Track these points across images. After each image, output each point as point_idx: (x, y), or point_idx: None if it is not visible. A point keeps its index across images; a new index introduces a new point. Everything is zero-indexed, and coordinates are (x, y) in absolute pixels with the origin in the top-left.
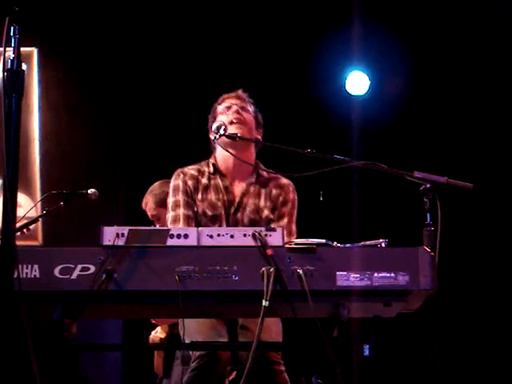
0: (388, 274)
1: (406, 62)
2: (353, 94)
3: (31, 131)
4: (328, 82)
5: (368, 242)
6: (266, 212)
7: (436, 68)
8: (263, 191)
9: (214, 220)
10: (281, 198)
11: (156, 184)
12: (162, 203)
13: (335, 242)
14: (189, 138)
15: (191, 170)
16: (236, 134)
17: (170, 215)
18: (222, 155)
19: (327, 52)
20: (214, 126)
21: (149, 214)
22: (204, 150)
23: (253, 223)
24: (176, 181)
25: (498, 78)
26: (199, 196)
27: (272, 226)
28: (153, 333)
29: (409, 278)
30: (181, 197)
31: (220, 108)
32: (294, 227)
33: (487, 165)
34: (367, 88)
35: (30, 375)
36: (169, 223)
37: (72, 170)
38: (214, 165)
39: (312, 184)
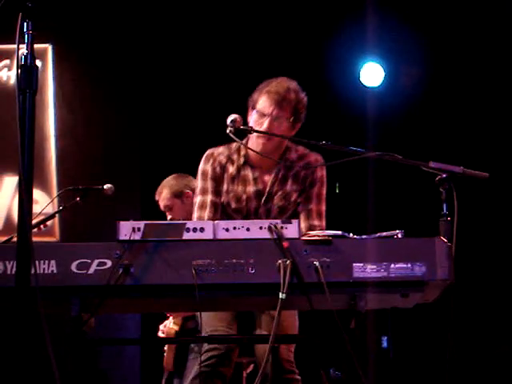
0: (405, 265)
1: (420, 53)
2: (367, 85)
3: (47, 128)
4: (342, 74)
5: (384, 233)
6: (294, 196)
7: (451, 58)
8: (290, 174)
9: (237, 212)
10: (308, 179)
11: (172, 176)
12: (177, 194)
13: (351, 234)
14: (205, 132)
15: (221, 154)
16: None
17: (197, 200)
18: (252, 144)
19: (341, 44)
20: (250, 120)
21: (161, 204)
22: (222, 141)
23: (282, 210)
24: (206, 165)
25: None
26: (225, 187)
27: (300, 209)
28: (161, 326)
29: (426, 269)
30: (210, 183)
31: (259, 104)
32: (322, 208)
33: (503, 154)
34: (382, 79)
35: (48, 371)
36: (195, 208)
37: (88, 166)
38: (245, 156)
39: (328, 176)
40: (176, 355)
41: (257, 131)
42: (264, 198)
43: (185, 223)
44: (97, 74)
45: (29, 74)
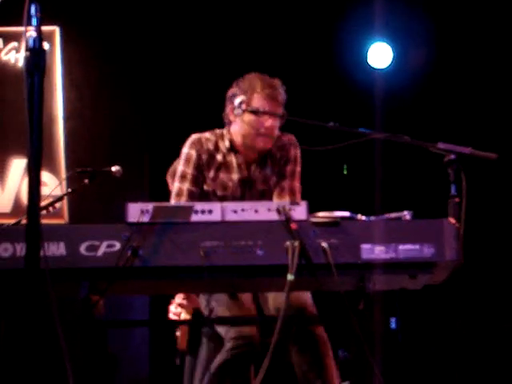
0: (413, 247)
1: (429, 34)
2: (375, 66)
3: (55, 110)
4: (350, 55)
5: (393, 215)
6: (273, 178)
7: (460, 39)
8: (268, 158)
9: (223, 200)
10: (283, 159)
11: None
12: None
13: (359, 215)
14: (213, 115)
15: (208, 141)
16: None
17: (176, 185)
18: (242, 131)
19: (349, 25)
20: (237, 101)
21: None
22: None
23: (263, 194)
24: (191, 150)
25: None
26: (211, 174)
27: (275, 189)
28: (172, 308)
29: (434, 250)
30: (191, 170)
31: (256, 103)
32: (296, 184)
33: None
34: (390, 60)
35: (58, 353)
36: (173, 194)
37: (96, 148)
38: (230, 141)
39: (336, 157)
40: (190, 335)
41: (265, 112)
42: (248, 184)
43: (193, 205)
44: (105, 56)
45: (37, 57)
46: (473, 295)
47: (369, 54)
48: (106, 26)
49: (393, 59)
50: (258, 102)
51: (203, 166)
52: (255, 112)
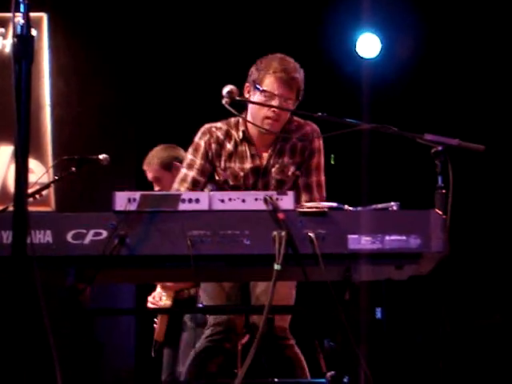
0: (400, 237)
1: (417, 24)
2: (364, 56)
3: (42, 97)
4: (339, 45)
5: (380, 205)
6: (291, 169)
7: (448, 30)
8: (287, 147)
9: (235, 189)
10: (307, 151)
11: (161, 147)
12: (166, 166)
13: (346, 206)
14: (201, 102)
15: (219, 130)
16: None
17: (182, 171)
18: (252, 110)
19: (337, 15)
20: (251, 79)
21: (150, 175)
22: (217, 114)
23: (280, 183)
24: (201, 140)
25: None
26: (222, 164)
27: (300, 181)
28: (150, 298)
29: (420, 241)
30: (199, 160)
31: (266, 84)
32: (322, 178)
33: (499, 127)
34: (378, 51)
35: (45, 340)
36: (177, 179)
37: (83, 136)
38: (243, 132)
39: (323, 147)
40: (168, 326)
41: (256, 103)
42: (261, 173)
43: (180, 194)
44: (92, 43)
45: (25, 44)
46: (458, 286)
47: (357, 44)
48: (93, 13)
49: (381, 50)
50: (269, 83)
51: (213, 155)
52: (264, 92)
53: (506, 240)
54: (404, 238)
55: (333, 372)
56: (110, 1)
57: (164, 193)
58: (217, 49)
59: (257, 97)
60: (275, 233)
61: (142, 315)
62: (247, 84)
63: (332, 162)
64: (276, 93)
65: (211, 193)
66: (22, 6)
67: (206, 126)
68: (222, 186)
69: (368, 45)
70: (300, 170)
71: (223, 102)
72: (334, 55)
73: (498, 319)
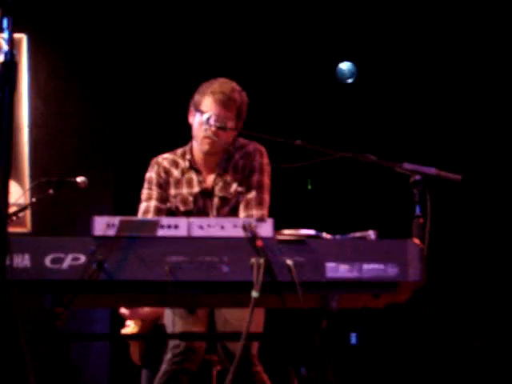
0: (377, 266)
1: (395, 51)
2: (342, 82)
3: (20, 118)
4: (317, 71)
5: (357, 234)
6: (234, 186)
7: (422, 55)
8: (230, 165)
9: (187, 215)
10: (247, 168)
11: None
12: None
13: (324, 233)
14: (178, 127)
15: (165, 160)
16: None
17: (142, 206)
18: (193, 132)
19: (317, 41)
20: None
21: None
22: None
23: (223, 201)
24: (150, 173)
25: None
26: (172, 191)
27: (241, 199)
28: (128, 322)
29: (398, 270)
30: (155, 189)
31: (204, 105)
32: (265, 197)
33: (476, 156)
34: (355, 76)
35: (21, 364)
36: (139, 213)
37: (61, 158)
38: (189, 161)
39: (302, 175)
40: (144, 348)
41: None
42: (209, 195)
43: (159, 220)
44: (72, 65)
45: (8, 71)
46: (435, 314)
47: (337, 69)
48: (73, 35)
49: (358, 75)
50: (207, 103)
51: (163, 184)
52: (202, 113)
53: (484, 269)
54: (382, 266)
55: None
56: (90, 23)
57: (143, 219)
58: (194, 75)
59: (197, 118)
60: (253, 260)
61: (117, 341)
62: (190, 108)
63: (309, 187)
64: (214, 112)
65: (190, 219)
66: (6, 33)
67: (153, 159)
68: (175, 214)
69: (346, 71)
70: (242, 186)
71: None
72: (313, 81)
73: (477, 345)
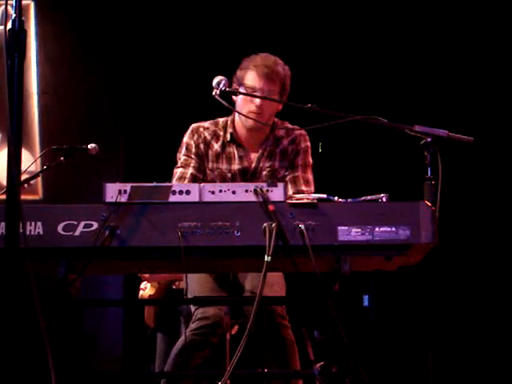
0: (389, 229)
1: (403, 14)
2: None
3: (29, 85)
4: (327, 34)
5: (369, 197)
6: (282, 172)
7: (440, 18)
8: (277, 150)
9: None
10: (293, 152)
11: None
12: None
13: (336, 197)
14: (190, 93)
15: (206, 131)
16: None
17: (178, 171)
18: (237, 108)
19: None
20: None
21: None
22: (206, 108)
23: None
24: (190, 140)
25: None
26: (209, 164)
27: (287, 178)
28: (142, 285)
29: (410, 233)
30: (194, 158)
31: (248, 80)
32: (309, 176)
33: (488, 117)
34: None
35: (37, 332)
36: (174, 178)
37: (71, 124)
38: (231, 134)
39: (313, 140)
40: (158, 311)
41: (245, 94)
42: (249, 174)
43: (171, 186)
44: (80, 31)
45: (17, 39)
46: (447, 276)
47: None
48: (80, 1)
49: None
50: (251, 78)
51: (202, 155)
52: (247, 87)
53: (494, 230)
54: (393, 229)
55: (322, 362)
56: None
57: (155, 184)
58: (206, 44)
59: (240, 94)
60: (265, 224)
61: (130, 306)
62: (233, 84)
63: (320, 150)
64: (257, 86)
65: (202, 184)
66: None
67: (194, 125)
68: None
69: None
70: (288, 170)
71: (213, 93)
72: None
73: (488, 306)
